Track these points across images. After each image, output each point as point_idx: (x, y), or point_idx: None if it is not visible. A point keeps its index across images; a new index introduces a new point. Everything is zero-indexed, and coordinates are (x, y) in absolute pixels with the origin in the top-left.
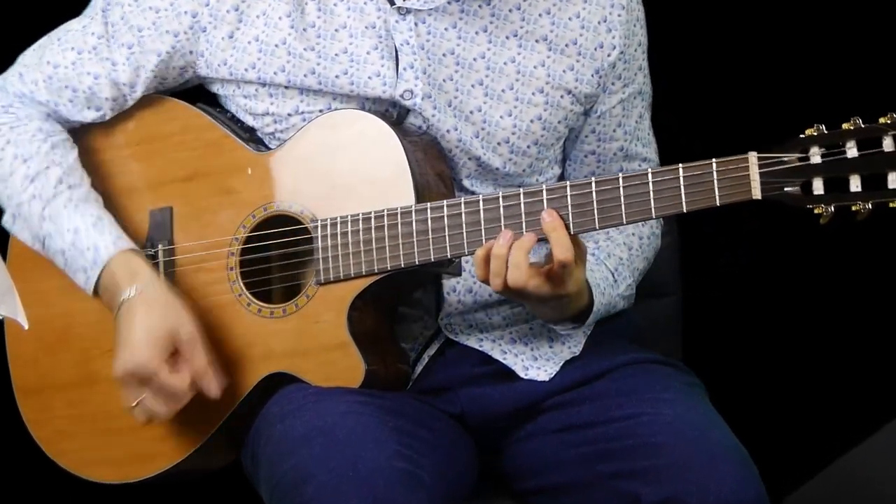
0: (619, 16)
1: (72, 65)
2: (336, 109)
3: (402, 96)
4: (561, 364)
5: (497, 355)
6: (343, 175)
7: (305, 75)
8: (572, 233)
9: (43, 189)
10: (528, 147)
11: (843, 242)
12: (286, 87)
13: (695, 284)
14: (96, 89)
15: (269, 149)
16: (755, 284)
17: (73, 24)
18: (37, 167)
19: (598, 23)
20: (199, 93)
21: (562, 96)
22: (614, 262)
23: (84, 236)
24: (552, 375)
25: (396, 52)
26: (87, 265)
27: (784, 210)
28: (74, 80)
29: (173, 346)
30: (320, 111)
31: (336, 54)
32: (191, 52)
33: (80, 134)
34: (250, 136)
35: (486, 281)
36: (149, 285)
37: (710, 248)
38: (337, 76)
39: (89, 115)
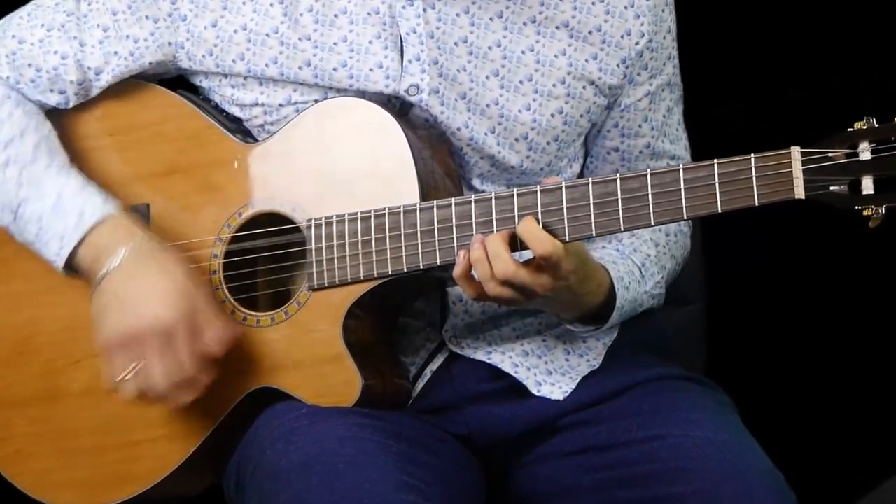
0: (647, 0)
1: (39, 42)
2: (333, 97)
3: (406, 91)
4: (578, 380)
5: (508, 368)
6: (340, 170)
7: (300, 67)
8: (594, 235)
9: (19, 153)
10: (548, 143)
11: (882, 244)
12: (277, 80)
13: (720, 291)
14: (61, 70)
15: (257, 140)
16: (786, 291)
17: (45, 0)
18: (10, 132)
19: (625, 7)
20: (179, 79)
21: (584, 87)
22: (641, 258)
23: (69, 201)
24: (567, 393)
25: (402, 42)
26: (67, 231)
27: (825, 210)
28: (39, 58)
29: (195, 307)
30: (315, 101)
31: (335, 43)
32: (169, 44)
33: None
34: (237, 126)
35: (479, 295)
36: (153, 241)
37: (737, 252)
38: (335, 68)
39: (52, 98)
